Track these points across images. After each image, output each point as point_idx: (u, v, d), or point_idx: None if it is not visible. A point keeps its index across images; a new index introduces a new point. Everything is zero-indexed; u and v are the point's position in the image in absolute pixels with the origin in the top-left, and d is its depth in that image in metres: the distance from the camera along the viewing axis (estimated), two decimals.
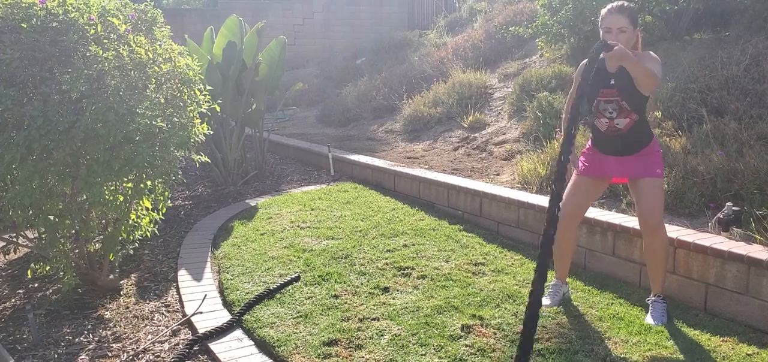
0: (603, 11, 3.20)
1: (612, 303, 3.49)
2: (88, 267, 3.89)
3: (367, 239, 4.63)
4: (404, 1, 15.05)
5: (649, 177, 3.23)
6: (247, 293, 3.72)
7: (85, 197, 3.55)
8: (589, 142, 3.45)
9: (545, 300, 3.48)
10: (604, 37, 3.13)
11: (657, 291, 3.32)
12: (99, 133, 3.30)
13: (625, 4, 3.16)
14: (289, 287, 3.78)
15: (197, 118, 4.11)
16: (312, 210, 5.49)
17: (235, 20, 6.60)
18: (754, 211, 3.65)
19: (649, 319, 3.26)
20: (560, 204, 2.72)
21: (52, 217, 3.56)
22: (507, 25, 9.24)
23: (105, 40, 3.66)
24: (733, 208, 3.64)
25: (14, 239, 3.76)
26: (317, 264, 4.13)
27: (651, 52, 3.25)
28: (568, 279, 3.60)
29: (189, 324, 3.45)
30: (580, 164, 3.45)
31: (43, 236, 3.59)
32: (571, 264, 3.78)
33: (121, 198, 3.72)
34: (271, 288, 3.72)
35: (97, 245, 3.98)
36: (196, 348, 3.16)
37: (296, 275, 3.91)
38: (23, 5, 3.48)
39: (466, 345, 3.04)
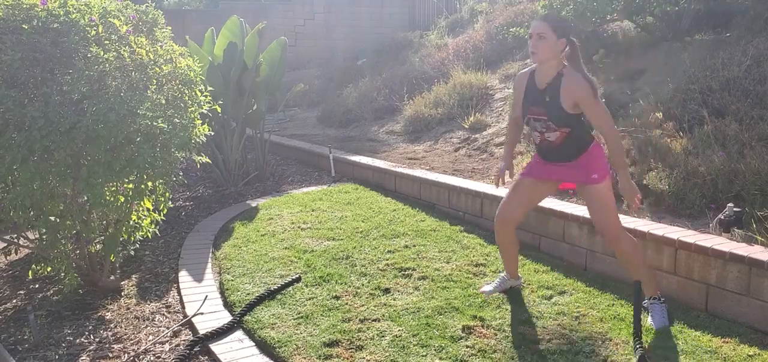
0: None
1: (613, 304, 3.48)
2: (89, 268, 3.89)
3: (368, 240, 4.63)
4: (405, 2, 15.04)
5: (588, 184, 3.22)
6: (248, 294, 3.72)
7: (86, 198, 3.55)
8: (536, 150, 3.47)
9: (487, 287, 3.63)
10: (529, 44, 3.18)
11: (650, 293, 3.27)
12: (100, 133, 3.30)
13: (551, 13, 3.17)
14: (290, 288, 3.78)
15: (198, 119, 4.11)
16: (313, 211, 5.49)
17: (236, 21, 6.60)
18: (755, 212, 3.65)
19: (650, 322, 3.24)
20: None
21: (53, 218, 3.56)
22: (508, 26, 9.23)
23: (106, 41, 3.66)
24: (734, 209, 3.64)
25: (15, 240, 3.76)
26: (318, 265, 4.13)
27: (582, 78, 3.11)
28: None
29: (190, 325, 3.45)
30: (526, 167, 3.48)
31: (44, 237, 3.59)
32: (570, 265, 3.79)
33: (122, 199, 3.73)
34: (272, 289, 3.72)
35: (98, 246, 3.98)
36: (197, 348, 3.16)
37: (297, 276, 3.91)
38: (24, 6, 3.49)
39: (467, 346, 3.04)
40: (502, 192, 4.82)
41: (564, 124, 3.18)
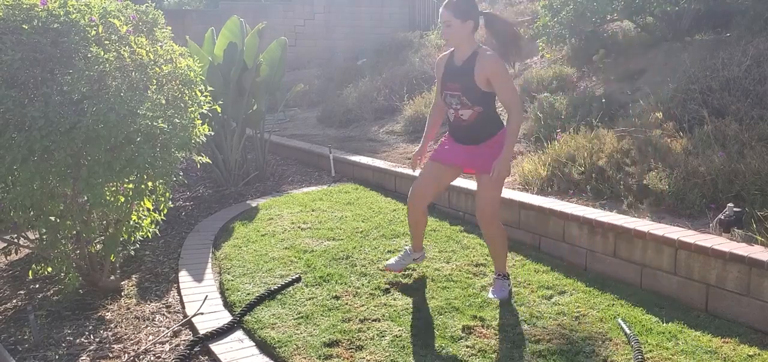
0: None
1: (613, 304, 3.48)
2: (89, 268, 3.89)
3: (368, 240, 4.63)
4: (405, 2, 15.04)
5: (487, 171, 3.40)
6: (248, 294, 3.72)
7: (86, 198, 3.55)
8: (447, 130, 3.65)
9: (390, 261, 3.86)
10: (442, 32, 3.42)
11: (498, 269, 3.65)
12: (100, 133, 3.30)
13: (452, 0, 3.35)
14: (290, 288, 3.78)
15: (198, 119, 4.11)
16: (313, 211, 5.49)
17: (236, 21, 6.60)
18: (755, 212, 3.65)
19: (489, 294, 3.56)
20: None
21: (53, 218, 3.56)
22: None
23: (106, 41, 3.66)
24: (734, 209, 3.64)
25: (15, 240, 3.76)
26: (318, 265, 4.13)
27: (494, 56, 3.35)
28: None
29: (190, 325, 3.45)
30: (435, 150, 3.69)
31: (44, 237, 3.59)
32: (570, 265, 3.79)
33: (122, 199, 3.73)
34: (272, 289, 3.72)
35: (98, 246, 3.98)
36: (197, 348, 3.16)
37: (297, 276, 3.91)
38: (24, 6, 3.49)
39: (467, 346, 3.04)
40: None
41: (477, 102, 3.39)
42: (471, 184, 5.18)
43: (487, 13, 3.51)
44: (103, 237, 3.98)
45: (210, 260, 4.43)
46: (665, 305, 3.46)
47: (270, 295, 3.66)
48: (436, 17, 13.56)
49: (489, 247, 3.68)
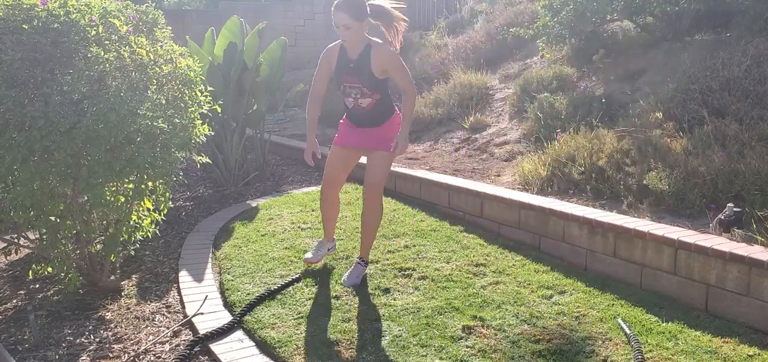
0: (333, 6, 3.57)
1: (613, 304, 3.48)
2: (89, 268, 3.89)
3: None
4: (405, 2, 15.05)
5: (383, 150, 3.72)
6: (248, 294, 3.72)
7: (86, 198, 3.55)
8: (345, 115, 3.90)
9: (308, 254, 4.02)
10: (337, 32, 3.59)
11: (363, 254, 3.85)
12: (100, 133, 3.30)
13: (345, 2, 3.50)
14: (290, 288, 3.78)
15: (198, 119, 4.11)
16: (313, 211, 5.48)
17: (236, 21, 6.60)
18: (755, 212, 3.65)
19: (343, 278, 3.76)
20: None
21: (53, 218, 3.56)
22: (508, 27, 9.23)
23: (106, 41, 3.66)
24: (734, 209, 3.64)
25: (15, 240, 3.76)
26: (318, 264, 4.13)
27: (388, 48, 3.68)
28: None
29: (190, 325, 3.45)
30: (337, 136, 3.92)
31: (44, 237, 3.59)
32: (570, 265, 3.78)
33: (123, 199, 3.73)
34: (272, 289, 3.72)
35: (98, 246, 3.98)
36: (197, 348, 3.16)
37: (297, 276, 3.91)
38: (25, 6, 3.49)
39: (467, 346, 3.04)
40: (499, 191, 4.84)
41: (375, 89, 3.67)
42: (471, 184, 5.19)
43: (371, 5, 3.69)
44: (103, 237, 3.98)
45: (210, 260, 4.43)
46: (665, 305, 3.47)
47: (270, 295, 3.66)
48: (436, 17, 13.58)
49: (363, 226, 3.86)
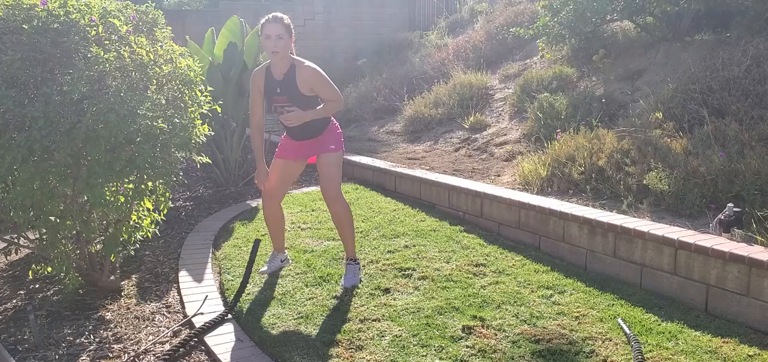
0: (262, 21, 3.71)
1: (613, 304, 3.48)
2: (89, 268, 3.89)
3: (368, 240, 4.63)
4: (405, 2, 15.04)
5: (324, 153, 3.82)
6: (248, 293, 3.72)
7: (86, 198, 3.55)
8: (285, 132, 3.97)
9: (263, 268, 4.06)
10: (264, 43, 3.68)
11: (349, 254, 3.87)
12: (100, 134, 3.30)
13: (280, 14, 3.67)
14: (290, 288, 3.78)
15: (198, 119, 4.11)
16: (313, 211, 5.49)
17: (236, 21, 6.60)
18: (755, 212, 3.65)
19: (343, 281, 3.76)
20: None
21: (53, 218, 3.55)
22: (508, 26, 9.24)
23: (106, 41, 3.66)
24: (734, 209, 3.64)
25: (15, 240, 3.76)
26: (318, 265, 4.14)
27: (312, 66, 3.75)
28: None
29: (190, 325, 3.45)
30: (278, 149, 3.99)
31: (44, 237, 3.59)
32: (570, 265, 3.77)
33: (122, 199, 3.73)
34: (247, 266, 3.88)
35: (98, 246, 3.98)
36: (193, 342, 3.16)
37: (256, 240, 4.10)
38: (24, 6, 3.49)
39: (467, 346, 3.04)
40: (499, 191, 4.84)
41: (307, 106, 3.73)
42: (471, 184, 5.19)
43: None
44: (103, 237, 3.97)
45: (210, 260, 4.43)
46: (665, 305, 3.47)
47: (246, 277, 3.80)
48: (436, 17, 13.58)
49: (338, 229, 3.92)
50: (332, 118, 3.92)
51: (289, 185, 4.13)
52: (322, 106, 3.76)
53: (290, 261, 4.23)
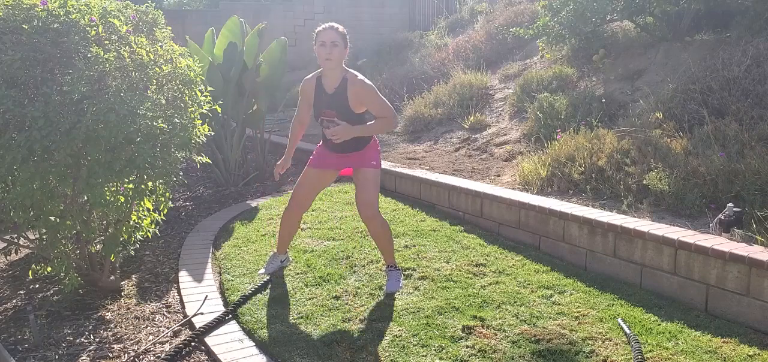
0: (318, 29, 3.61)
1: (613, 304, 3.48)
2: (89, 268, 3.89)
3: (368, 240, 4.63)
4: (405, 2, 15.05)
5: (364, 167, 3.71)
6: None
7: (86, 198, 3.55)
8: (321, 140, 3.87)
9: (261, 270, 4.02)
10: (318, 51, 3.57)
11: (388, 262, 3.80)
12: (100, 134, 3.30)
13: (337, 24, 3.60)
14: (290, 288, 3.78)
15: (198, 119, 4.11)
16: (313, 211, 5.49)
17: (236, 21, 6.60)
18: (755, 212, 3.65)
19: (386, 288, 3.68)
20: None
21: (53, 218, 3.55)
22: (508, 26, 9.24)
23: (106, 41, 3.66)
24: (734, 209, 3.64)
25: (15, 240, 3.76)
26: (318, 265, 4.14)
27: (364, 80, 3.60)
28: None
29: (190, 325, 3.45)
30: (312, 158, 3.90)
31: (44, 237, 3.59)
32: (570, 265, 3.76)
33: (122, 199, 3.73)
34: (247, 294, 3.69)
35: (98, 246, 3.98)
36: (193, 344, 3.16)
37: (267, 279, 3.90)
38: (24, 6, 3.49)
39: (467, 346, 3.04)
40: (499, 191, 4.84)
41: (356, 123, 3.62)
42: (471, 184, 5.19)
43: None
44: (103, 237, 3.97)
45: (210, 260, 4.43)
46: (665, 305, 3.47)
47: (243, 301, 3.61)
48: (436, 17, 13.58)
49: (376, 241, 3.82)
50: (375, 138, 3.81)
51: (317, 195, 4.05)
52: (372, 122, 3.63)
53: (291, 260, 4.20)
